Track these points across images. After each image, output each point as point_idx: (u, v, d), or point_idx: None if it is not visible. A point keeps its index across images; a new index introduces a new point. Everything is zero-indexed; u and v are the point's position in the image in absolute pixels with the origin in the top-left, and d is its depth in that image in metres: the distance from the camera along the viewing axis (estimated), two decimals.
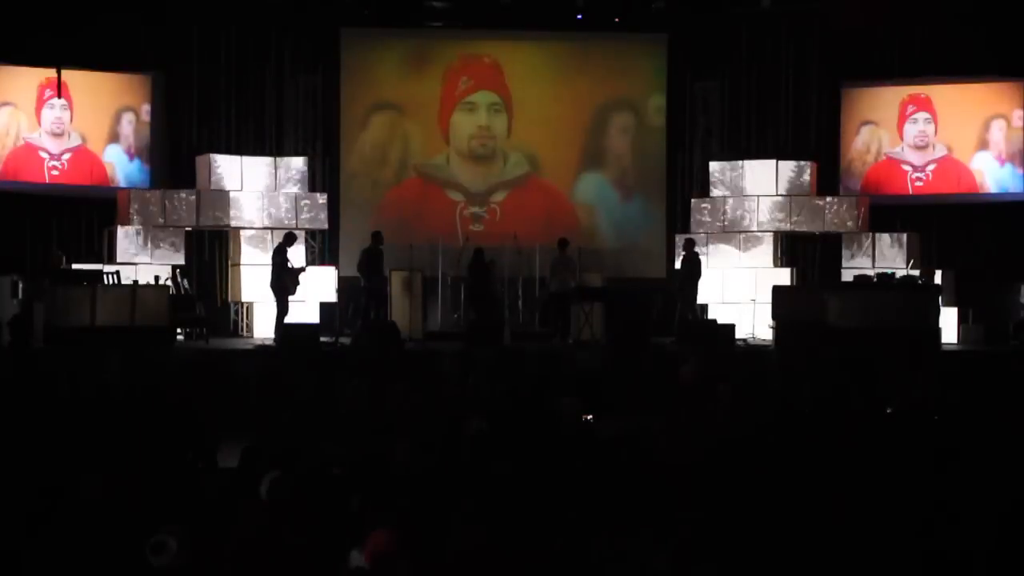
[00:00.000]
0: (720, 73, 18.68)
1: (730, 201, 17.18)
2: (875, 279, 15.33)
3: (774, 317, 15.17)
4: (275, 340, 14.92)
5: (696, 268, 16.33)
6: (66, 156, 17.32)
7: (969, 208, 18.00)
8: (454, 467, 6.79)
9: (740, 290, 17.09)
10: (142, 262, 16.12)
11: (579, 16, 18.19)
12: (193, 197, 16.31)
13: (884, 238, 16.99)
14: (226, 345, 15.41)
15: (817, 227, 17.16)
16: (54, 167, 17.27)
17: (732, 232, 17.20)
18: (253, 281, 16.42)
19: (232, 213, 16.44)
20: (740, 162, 17.54)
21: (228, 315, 17.26)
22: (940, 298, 15.16)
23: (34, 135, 17.13)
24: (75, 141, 17.39)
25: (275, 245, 15.70)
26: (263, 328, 16.21)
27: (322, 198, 17.03)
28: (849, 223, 17.00)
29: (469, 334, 14.99)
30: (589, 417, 8.65)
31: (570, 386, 10.77)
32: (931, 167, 18.11)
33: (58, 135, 17.27)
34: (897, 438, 7.74)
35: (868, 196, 17.64)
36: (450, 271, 17.12)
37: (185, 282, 16.48)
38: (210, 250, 17.71)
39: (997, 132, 17.89)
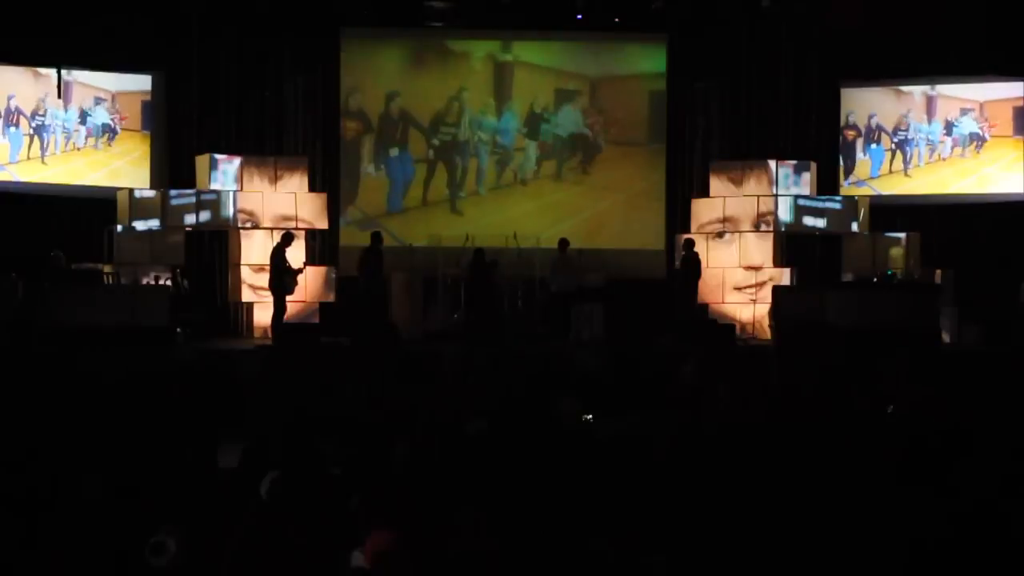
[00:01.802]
0: (720, 73, 18.70)
1: (730, 201, 17.19)
2: (875, 279, 15.34)
3: (774, 317, 15.17)
4: (273, 340, 14.91)
5: (696, 268, 16.33)
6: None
7: (969, 208, 18.01)
8: (454, 467, 6.78)
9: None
10: (142, 262, 16.11)
11: (579, 16, 18.21)
12: (193, 197, 16.33)
13: (884, 238, 17.03)
14: (226, 345, 15.40)
15: (817, 227, 17.17)
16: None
17: (732, 232, 17.21)
18: (253, 281, 16.42)
19: (231, 213, 16.43)
20: (740, 162, 17.55)
21: (228, 315, 17.26)
22: (940, 298, 15.16)
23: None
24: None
25: (273, 245, 15.71)
26: (263, 328, 16.20)
27: (322, 198, 17.04)
28: (849, 223, 17.00)
29: (469, 334, 14.98)
30: (589, 417, 8.64)
31: (570, 386, 10.75)
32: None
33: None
34: (897, 438, 7.73)
35: (868, 196, 17.66)
36: (450, 271, 17.13)
37: (185, 282, 16.48)
38: (210, 250, 17.71)
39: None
